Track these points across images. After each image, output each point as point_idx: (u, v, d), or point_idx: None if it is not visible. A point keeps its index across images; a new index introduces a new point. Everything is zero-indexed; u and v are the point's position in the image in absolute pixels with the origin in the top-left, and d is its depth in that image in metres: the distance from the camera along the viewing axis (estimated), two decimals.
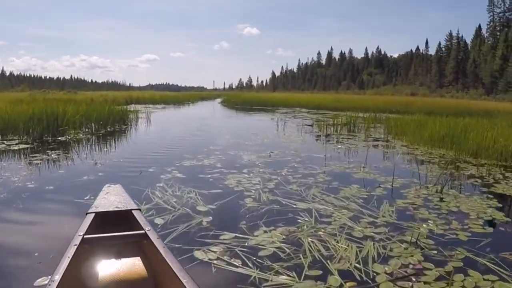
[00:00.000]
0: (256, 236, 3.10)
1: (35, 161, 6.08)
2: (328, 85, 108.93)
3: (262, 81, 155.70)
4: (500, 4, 66.42)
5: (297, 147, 8.06)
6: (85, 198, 3.92)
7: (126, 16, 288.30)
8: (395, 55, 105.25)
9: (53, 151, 7.05)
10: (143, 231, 2.13)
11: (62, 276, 1.62)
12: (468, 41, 69.63)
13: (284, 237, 3.09)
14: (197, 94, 64.33)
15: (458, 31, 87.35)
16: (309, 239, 3.04)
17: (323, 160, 6.62)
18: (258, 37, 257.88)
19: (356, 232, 3.21)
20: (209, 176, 5.18)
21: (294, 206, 3.92)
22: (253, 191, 4.43)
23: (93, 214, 2.32)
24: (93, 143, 8.62)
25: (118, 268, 1.98)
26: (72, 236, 2.02)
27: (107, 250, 2.10)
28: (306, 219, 3.52)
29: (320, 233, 3.19)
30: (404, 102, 27.94)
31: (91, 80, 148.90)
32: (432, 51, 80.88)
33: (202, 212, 3.67)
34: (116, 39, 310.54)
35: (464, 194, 4.53)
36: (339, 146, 8.49)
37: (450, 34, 73.35)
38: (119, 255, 2.09)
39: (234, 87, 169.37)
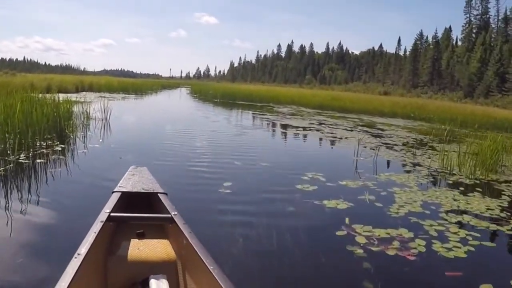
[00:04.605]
0: None
1: None
2: (289, 78, 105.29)
3: (220, 71, 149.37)
4: (478, 7, 64.28)
5: None
6: None
7: None
8: (356, 52, 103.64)
9: None
10: (169, 215, 2.02)
11: (88, 250, 1.57)
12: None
13: None
14: (158, 82, 57.38)
15: (436, 30, 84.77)
16: None
17: None
18: (216, 26, 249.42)
19: None
20: None
21: None
22: None
23: (119, 193, 2.22)
24: None
25: (142, 249, 1.89)
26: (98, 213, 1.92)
27: (132, 229, 2.01)
28: None
29: None
30: (415, 106, 24.03)
31: (45, 62, 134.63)
32: (391, 50, 78.35)
33: None
34: (72, 22, 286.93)
35: None
36: None
37: (421, 34, 70.61)
38: (144, 235, 1.98)
39: (191, 76, 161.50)
